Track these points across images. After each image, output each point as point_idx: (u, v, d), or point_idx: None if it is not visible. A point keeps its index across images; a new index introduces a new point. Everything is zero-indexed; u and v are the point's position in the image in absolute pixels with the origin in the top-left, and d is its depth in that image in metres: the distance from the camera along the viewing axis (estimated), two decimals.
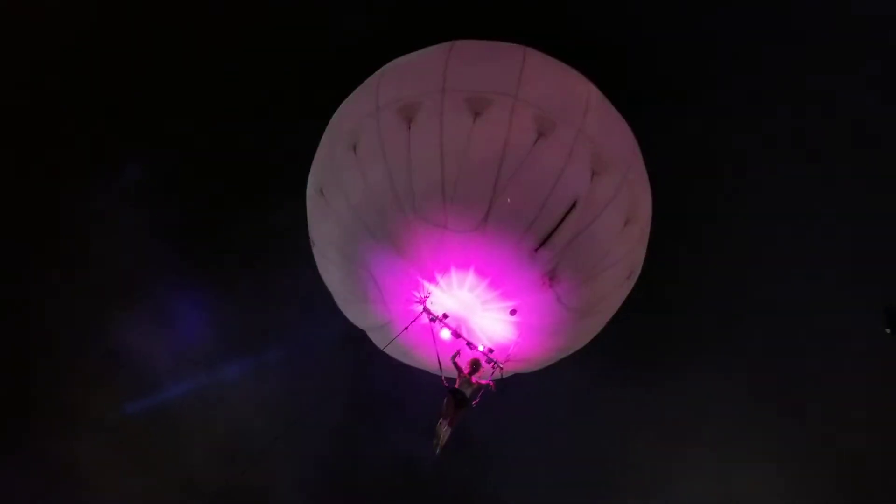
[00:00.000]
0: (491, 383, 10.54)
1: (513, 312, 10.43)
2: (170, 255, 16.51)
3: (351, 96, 11.48)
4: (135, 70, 15.48)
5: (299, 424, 15.43)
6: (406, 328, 10.46)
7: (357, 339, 14.17)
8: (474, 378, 10.37)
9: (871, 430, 15.39)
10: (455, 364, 10.43)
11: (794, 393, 15.57)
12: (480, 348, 10.54)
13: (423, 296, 10.32)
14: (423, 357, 11.12)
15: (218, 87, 15.87)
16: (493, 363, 10.54)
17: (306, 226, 15.70)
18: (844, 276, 15.07)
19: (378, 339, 11.81)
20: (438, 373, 10.72)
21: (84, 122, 15.58)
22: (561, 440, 15.82)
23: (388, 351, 11.83)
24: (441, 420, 10.22)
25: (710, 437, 15.78)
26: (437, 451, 10.27)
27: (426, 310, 10.30)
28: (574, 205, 10.01)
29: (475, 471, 16.03)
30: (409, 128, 10.15)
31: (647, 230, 11.30)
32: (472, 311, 10.62)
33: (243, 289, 16.70)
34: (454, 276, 10.29)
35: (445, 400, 10.32)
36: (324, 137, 11.59)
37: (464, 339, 10.47)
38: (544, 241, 9.99)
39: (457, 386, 10.37)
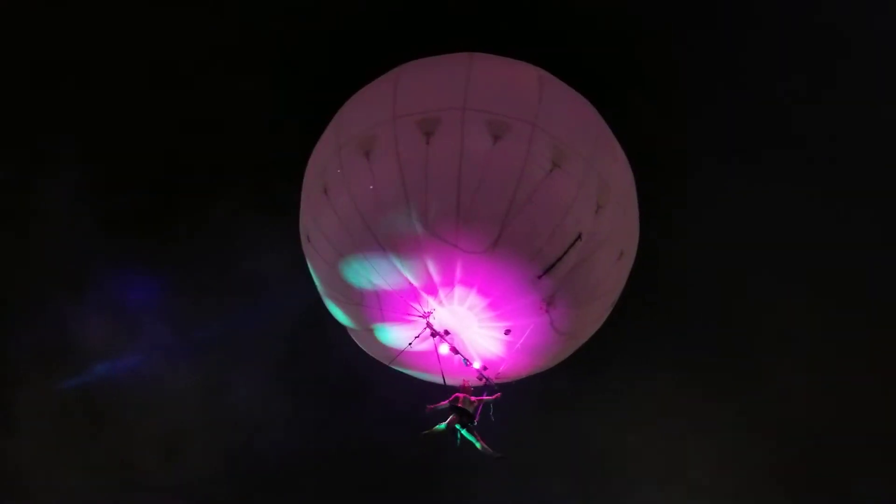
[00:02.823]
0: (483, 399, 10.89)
1: (507, 332, 10.79)
2: (110, 242, 16.10)
3: (362, 96, 11.33)
4: (81, 63, 15.03)
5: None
6: (410, 344, 10.61)
7: (316, 325, 14.38)
8: (473, 397, 10.68)
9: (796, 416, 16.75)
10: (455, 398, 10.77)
11: (735, 385, 16.77)
12: (476, 365, 10.83)
13: (426, 311, 10.46)
14: (419, 368, 11.34)
15: (163, 78, 15.61)
16: (485, 380, 10.86)
17: (251, 215, 15.97)
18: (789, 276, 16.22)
19: (360, 339, 11.91)
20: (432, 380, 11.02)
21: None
22: (524, 431, 16.32)
23: (369, 351, 12.00)
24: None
25: (664, 424, 16.85)
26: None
27: (429, 325, 10.46)
28: (579, 236, 10.36)
29: (436, 454, 16.27)
30: (428, 143, 10.16)
31: (632, 262, 11.85)
32: (467, 326, 10.89)
33: (193, 275, 16.43)
34: (456, 292, 10.48)
35: (450, 417, 10.58)
36: (328, 134, 11.40)
37: (461, 355, 10.72)
38: (548, 270, 10.31)
39: (459, 405, 10.63)
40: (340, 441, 16.99)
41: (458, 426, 10.67)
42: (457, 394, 10.83)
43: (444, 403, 10.88)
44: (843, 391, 16.40)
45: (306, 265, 12.04)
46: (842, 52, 15.40)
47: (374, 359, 12.16)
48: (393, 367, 11.65)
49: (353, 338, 12.13)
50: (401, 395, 13.69)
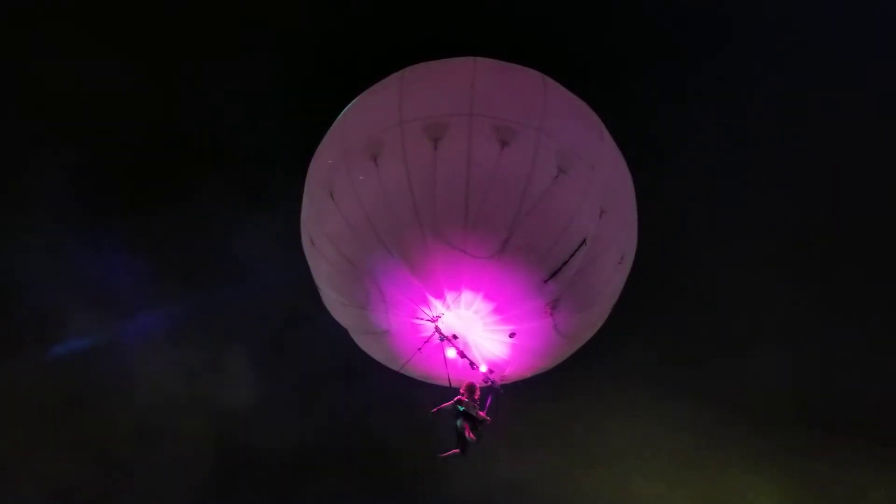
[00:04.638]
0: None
1: (512, 335, 10.94)
2: (92, 223, 15.98)
3: (366, 100, 11.36)
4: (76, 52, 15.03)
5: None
6: (420, 350, 10.72)
7: (305, 311, 14.42)
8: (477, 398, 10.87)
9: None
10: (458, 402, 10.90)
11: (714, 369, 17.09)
12: (482, 369, 10.97)
13: (434, 315, 10.57)
14: (424, 371, 11.44)
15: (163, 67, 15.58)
16: (490, 383, 11.01)
17: (240, 204, 15.98)
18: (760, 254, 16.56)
19: (365, 344, 11.98)
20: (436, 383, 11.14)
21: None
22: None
23: (369, 351, 12.09)
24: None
25: (631, 401, 17.08)
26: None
27: (438, 330, 10.57)
28: (584, 241, 10.52)
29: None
30: (436, 148, 10.23)
31: (631, 265, 12.05)
32: (472, 329, 11.01)
33: (177, 259, 16.39)
34: (463, 297, 10.60)
35: (460, 423, 10.71)
36: (332, 136, 11.41)
37: (468, 358, 10.85)
38: (553, 274, 10.47)
39: (464, 408, 10.79)
40: (331, 428, 17.03)
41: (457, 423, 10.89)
42: (459, 397, 10.96)
43: (448, 405, 11.01)
44: (824, 372, 16.85)
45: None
46: (842, 51, 15.79)
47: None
48: (402, 372, 11.71)
49: (358, 343, 12.17)
50: (393, 383, 13.77)
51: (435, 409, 11.06)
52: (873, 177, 16.22)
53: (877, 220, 16.22)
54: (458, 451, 10.88)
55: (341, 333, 12.36)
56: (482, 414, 10.86)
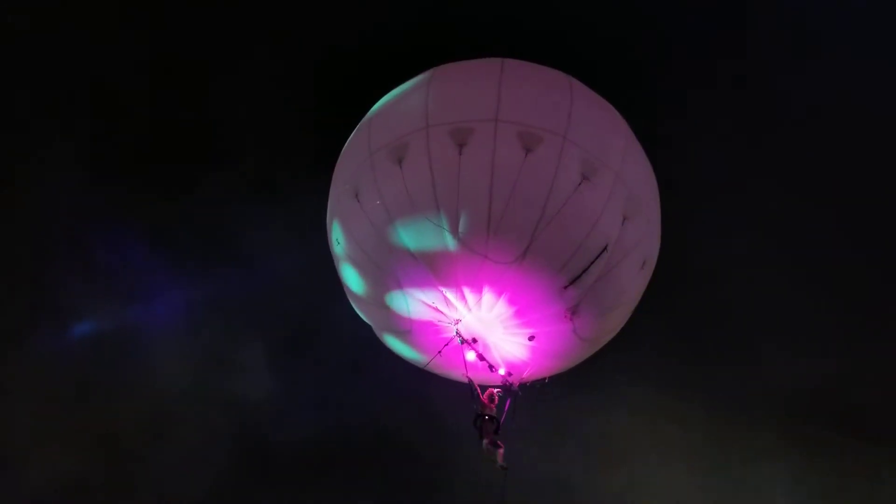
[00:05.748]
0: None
1: (531, 338, 11.08)
2: (105, 210, 16.13)
3: (393, 102, 11.39)
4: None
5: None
6: (440, 352, 10.89)
7: (318, 302, 14.57)
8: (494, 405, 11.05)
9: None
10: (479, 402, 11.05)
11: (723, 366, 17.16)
12: (501, 371, 11.13)
13: (455, 318, 10.71)
14: (447, 371, 11.65)
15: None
16: (509, 385, 11.18)
17: (258, 196, 16.14)
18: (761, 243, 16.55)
19: (387, 340, 12.18)
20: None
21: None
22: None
23: (393, 348, 12.29)
24: (486, 445, 10.80)
25: (645, 400, 17.18)
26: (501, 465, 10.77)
27: (459, 334, 10.72)
28: (605, 248, 10.57)
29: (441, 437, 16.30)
30: (461, 153, 10.28)
31: (653, 269, 12.08)
32: (492, 331, 11.17)
33: (191, 248, 16.58)
34: (484, 301, 10.73)
35: (482, 426, 10.88)
36: (360, 137, 11.47)
37: (487, 361, 11.01)
38: (574, 281, 10.55)
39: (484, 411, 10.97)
40: (345, 421, 17.23)
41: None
42: (485, 401, 11.12)
43: (479, 394, 11.15)
44: (837, 371, 16.77)
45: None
46: (852, 50, 15.61)
47: (377, 337, 12.41)
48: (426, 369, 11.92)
49: (382, 340, 12.35)
50: (407, 377, 13.95)
51: (469, 380, 11.16)
52: (887, 177, 16.04)
53: (890, 220, 16.09)
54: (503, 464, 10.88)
55: (357, 327, 12.61)
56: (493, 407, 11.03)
